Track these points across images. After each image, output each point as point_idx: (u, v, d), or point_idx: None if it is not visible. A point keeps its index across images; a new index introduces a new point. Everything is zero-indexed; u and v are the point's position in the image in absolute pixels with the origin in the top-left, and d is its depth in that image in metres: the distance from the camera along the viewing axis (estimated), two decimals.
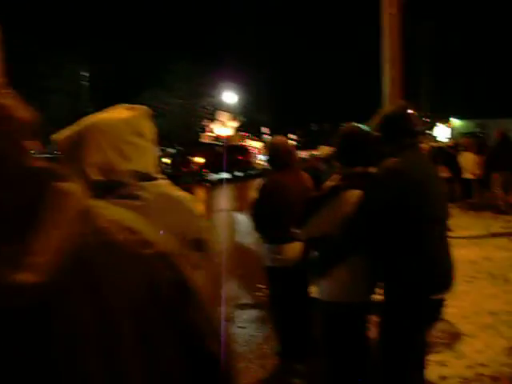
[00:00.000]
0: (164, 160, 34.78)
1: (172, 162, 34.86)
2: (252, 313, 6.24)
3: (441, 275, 3.03)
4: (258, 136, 50.98)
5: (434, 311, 3.10)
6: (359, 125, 3.21)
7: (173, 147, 38.69)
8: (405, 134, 3.09)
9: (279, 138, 4.68)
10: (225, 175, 32.59)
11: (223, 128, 44.79)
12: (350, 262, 3.01)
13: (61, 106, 48.70)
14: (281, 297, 4.35)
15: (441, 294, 3.04)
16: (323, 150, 9.45)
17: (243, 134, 47.73)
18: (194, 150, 35.48)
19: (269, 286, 4.56)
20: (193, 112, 48.07)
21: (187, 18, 69.98)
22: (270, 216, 4.19)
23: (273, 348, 4.70)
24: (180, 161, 33.66)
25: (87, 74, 48.32)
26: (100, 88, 47.40)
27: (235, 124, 45.37)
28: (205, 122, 45.11)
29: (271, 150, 4.48)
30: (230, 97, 47.98)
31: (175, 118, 46.29)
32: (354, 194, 2.97)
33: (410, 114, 3.21)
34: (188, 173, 31.93)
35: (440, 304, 3.09)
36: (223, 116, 45.26)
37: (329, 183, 3.19)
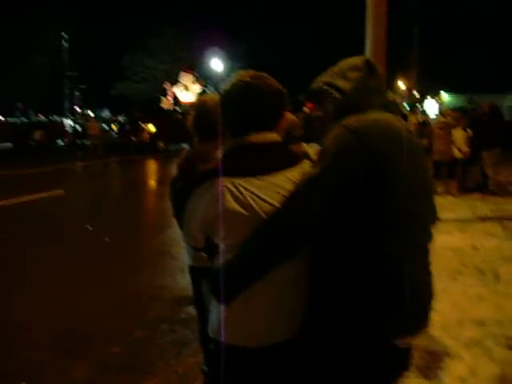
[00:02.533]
0: (113, 126, 33.08)
1: (120, 129, 32.28)
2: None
3: (416, 306, 1.92)
4: None
5: (398, 364, 2.01)
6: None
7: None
8: (368, 90, 2.07)
9: (211, 96, 3.41)
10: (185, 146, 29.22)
11: (186, 92, 39.47)
12: (270, 279, 1.89)
13: (40, 65, 46.93)
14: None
15: (411, 338, 1.94)
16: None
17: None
18: (148, 116, 30.97)
19: (192, 288, 3.38)
20: (177, 78, 46.55)
21: None
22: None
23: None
24: (130, 129, 30.66)
25: (67, 36, 46.52)
26: (81, 49, 45.80)
27: (198, 88, 40.07)
28: (166, 85, 40.19)
29: (197, 111, 3.27)
30: (216, 64, 46.37)
31: (159, 84, 44.62)
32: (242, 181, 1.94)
33: (373, 64, 2.15)
34: (138, 142, 29.53)
35: (407, 354, 2.00)
36: (186, 78, 40.09)
37: (202, 167, 2.15)
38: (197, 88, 39.02)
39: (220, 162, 1.98)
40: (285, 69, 52.60)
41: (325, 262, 1.95)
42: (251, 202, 1.87)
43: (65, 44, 48.01)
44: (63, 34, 47.25)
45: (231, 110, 2.02)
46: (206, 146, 3.12)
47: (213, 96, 3.38)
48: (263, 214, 1.87)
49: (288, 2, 73.67)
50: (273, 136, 2.02)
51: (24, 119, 39.29)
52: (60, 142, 36.26)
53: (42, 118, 43.80)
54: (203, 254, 2.15)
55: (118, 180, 18.60)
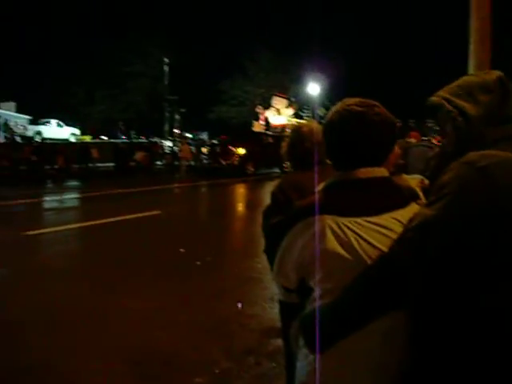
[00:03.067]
0: (203, 150, 32.69)
1: (210, 152, 31.71)
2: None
3: None
4: None
5: None
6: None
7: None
8: (499, 119, 1.71)
9: (308, 123, 3.24)
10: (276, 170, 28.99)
11: (278, 116, 38.76)
12: (367, 327, 1.65)
13: (142, 90, 48.99)
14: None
15: None
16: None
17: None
18: (238, 139, 30.41)
19: (281, 323, 3.17)
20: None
21: (274, 5, 69.10)
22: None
23: None
24: (220, 152, 30.13)
25: (168, 60, 48.18)
26: (181, 74, 47.28)
27: (291, 112, 39.57)
28: (259, 109, 40.17)
29: (292, 138, 3.11)
30: (312, 88, 46.38)
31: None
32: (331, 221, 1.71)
33: (508, 85, 1.75)
34: (227, 166, 28.88)
35: None
36: (279, 102, 39.78)
37: (301, 202, 1.91)
38: (289, 112, 38.83)
39: (321, 197, 1.78)
40: (385, 94, 52.03)
41: (429, 314, 1.68)
42: (355, 244, 1.66)
43: (166, 69, 49.65)
44: (164, 59, 48.88)
45: (336, 142, 1.82)
46: (301, 175, 2.96)
47: (309, 123, 3.22)
48: (367, 259, 1.65)
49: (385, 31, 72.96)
50: (382, 171, 1.80)
51: (126, 140, 40.62)
52: (159, 163, 37.25)
53: (143, 139, 45.15)
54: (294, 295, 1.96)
55: (209, 203, 18.78)
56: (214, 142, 36.80)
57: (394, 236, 1.66)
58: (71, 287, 7.05)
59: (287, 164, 3.17)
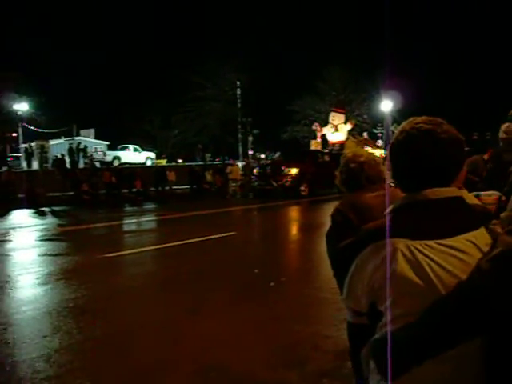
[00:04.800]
0: (254, 171, 30.45)
1: (259, 173, 29.25)
2: None
3: None
4: None
5: None
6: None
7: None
8: None
9: (350, 147, 3.45)
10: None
11: (335, 133, 36.95)
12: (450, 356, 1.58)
13: (214, 113, 49.94)
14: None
15: None
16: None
17: (364, 139, 37.86)
18: (291, 159, 28.53)
19: (349, 344, 3.13)
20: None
21: (344, 24, 69.08)
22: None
23: None
24: (271, 173, 27.92)
25: (240, 83, 48.91)
26: (251, 96, 47.87)
27: (349, 127, 37.49)
28: (316, 127, 38.29)
29: (343, 172, 3.31)
30: (385, 105, 45.83)
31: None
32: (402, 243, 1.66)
33: None
34: (280, 187, 26.75)
35: None
36: (337, 118, 37.61)
37: (370, 225, 1.86)
38: (347, 127, 37.16)
39: (391, 219, 1.73)
40: (457, 108, 50.89)
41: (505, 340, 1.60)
42: (428, 269, 1.60)
43: (238, 92, 50.40)
44: (237, 82, 49.63)
45: (404, 162, 1.76)
46: (358, 196, 3.06)
47: (354, 151, 3.41)
48: (440, 284, 1.58)
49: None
50: (452, 191, 1.72)
51: (200, 163, 41.29)
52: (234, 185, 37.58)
53: (218, 162, 45.82)
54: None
55: (265, 224, 18.66)
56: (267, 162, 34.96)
57: (469, 259, 1.59)
58: (148, 308, 7.20)
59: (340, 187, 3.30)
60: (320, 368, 4.93)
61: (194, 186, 32.93)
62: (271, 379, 4.74)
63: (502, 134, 5.08)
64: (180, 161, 48.41)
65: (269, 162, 34.63)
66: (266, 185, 27.36)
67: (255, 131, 51.96)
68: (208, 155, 46.81)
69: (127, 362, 5.26)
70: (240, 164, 37.90)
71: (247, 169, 31.35)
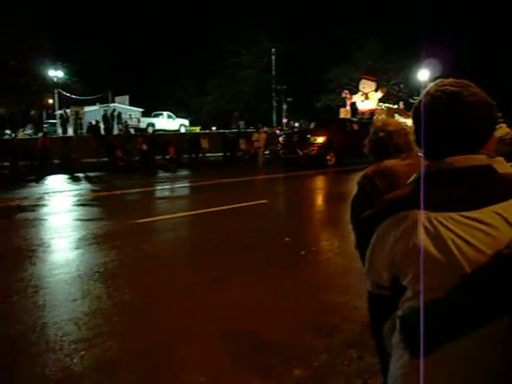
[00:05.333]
0: (280, 139, 29.50)
1: (285, 141, 28.02)
2: None
3: None
4: None
5: None
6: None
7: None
8: None
9: (380, 119, 3.42)
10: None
11: (365, 101, 35.16)
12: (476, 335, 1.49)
13: (249, 80, 49.73)
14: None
15: None
16: (502, 130, 7.58)
17: (395, 108, 36.21)
18: (318, 127, 27.51)
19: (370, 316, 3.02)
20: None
21: None
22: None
23: None
24: (296, 141, 26.65)
25: (275, 50, 48.46)
26: (287, 63, 47.40)
27: (380, 95, 35.65)
28: (345, 94, 36.48)
29: (372, 141, 3.20)
30: (422, 74, 44.88)
31: None
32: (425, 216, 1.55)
33: None
34: (306, 156, 25.63)
35: None
36: (367, 85, 35.74)
37: (391, 195, 1.75)
38: (378, 95, 35.72)
39: (412, 190, 1.62)
40: (498, 78, 49.59)
41: None
42: (450, 244, 1.49)
43: (273, 59, 49.97)
44: (272, 49, 49.18)
45: (428, 126, 1.62)
46: (386, 163, 2.94)
47: (385, 119, 3.37)
48: (463, 260, 1.48)
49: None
50: (480, 159, 1.59)
51: (234, 130, 41.18)
52: (266, 153, 37.41)
53: (252, 129, 45.70)
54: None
55: (293, 194, 18.51)
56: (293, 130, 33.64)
57: (497, 233, 1.48)
58: (176, 274, 7.21)
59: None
60: (348, 338, 4.86)
61: (228, 154, 32.89)
62: (298, 346, 4.69)
63: None
64: (214, 128, 48.38)
65: (296, 130, 33.82)
66: (291, 153, 26.48)
67: (289, 99, 51.56)
68: (242, 122, 46.63)
69: (154, 326, 5.28)
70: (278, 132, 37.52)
71: (272, 137, 31.00)
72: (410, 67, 47.50)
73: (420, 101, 1.67)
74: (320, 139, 25.71)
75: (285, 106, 51.53)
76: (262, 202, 13.92)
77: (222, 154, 33.01)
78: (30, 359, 4.58)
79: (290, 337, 4.94)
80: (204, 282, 6.72)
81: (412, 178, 1.70)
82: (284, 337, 4.94)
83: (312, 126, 29.83)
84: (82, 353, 4.63)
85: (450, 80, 1.65)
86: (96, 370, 4.38)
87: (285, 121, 49.88)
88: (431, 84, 1.70)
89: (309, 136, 26.28)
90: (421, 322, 1.49)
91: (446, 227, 1.50)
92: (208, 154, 32.54)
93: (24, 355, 4.68)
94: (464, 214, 1.51)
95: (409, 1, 60.05)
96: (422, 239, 1.51)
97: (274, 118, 51.21)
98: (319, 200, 16.16)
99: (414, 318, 1.53)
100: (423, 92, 1.70)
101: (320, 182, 21.06)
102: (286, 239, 9.04)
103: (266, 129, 34.99)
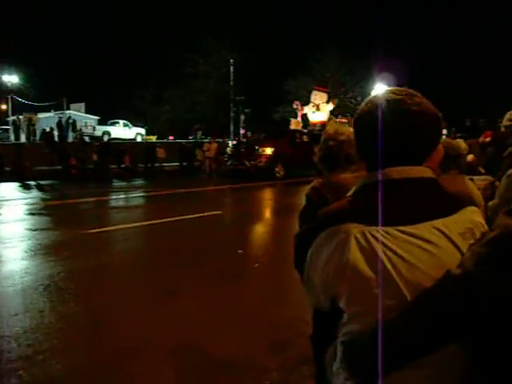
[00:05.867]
0: (227, 149, 28.91)
1: (233, 152, 27.66)
2: None
3: None
4: None
5: None
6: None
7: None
8: None
9: (333, 124, 3.20)
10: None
11: (317, 112, 34.37)
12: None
13: (206, 90, 49.61)
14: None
15: None
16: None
17: (348, 120, 34.16)
18: (267, 138, 26.85)
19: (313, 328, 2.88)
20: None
21: (339, 4, 68.40)
22: None
23: None
24: (244, 152, 26.17)
25: (233, 60, 48.49)
26: (245, 74, 47.45)
27: (331, 107, 34.83)
28: (296, 105, 35.76)
29: (323, 149, 3.04)
30: (379, 88, 45.47)
31: None
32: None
33: None
34: (253, 168, 25.07)
35: None
36: (319, 97, 35.02)
37: (326, 208, 1.62)
38: (329, 107, 35.07)
39: (349, 202, 1.50)
40: (451, 93, 50.69)
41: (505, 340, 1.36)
42: (385, 260, 1.36)
43: (231, 69, 49.96)
44: (230, 59, 49.18)
45: (368, 135, 1.51)
46: (335, 176, 2.84)
47: (335, 124, 3.19)
48: (398, 278, 1.35)
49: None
50: (422, 171, 1.48)
51: (191, 140, 40.92)
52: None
53: (207, 139, 45.59)
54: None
55: (245, 206, 18.44)
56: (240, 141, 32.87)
57: (436, 250, 1.36)
58: (125, 287, 6.98)
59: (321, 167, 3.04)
60: (301, 354, 4.72)
61: (184, 164, 32.55)
62: (250, 364, 4.55)
63: (506, 122, 5.06)
64: (171, 138, 47.99)
65: (244, 140, 33.17)
66: (239, 164, 25.88)
67: (247, 110, 51.55)
68: (199, 133, 46.39)
69: (100, 342, 5.07)
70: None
71: (224, 147, 30.25)
72: (366, 80, 48.10)
73: (362, 108, 1.57)
74: (268, 151, 25.19)
75: (242, 117, 51.47)
76: (216, 212, 13.74)
77: (178, 163, 32.64)
78: None
79: (241, 353, 4.78)
80: (154, 295, 6.52)
81: (351, 190, 1.58)
82: (235, 353, 4.78)
83: (261, 136, 29.34)
84: (20, 372, 4.38)
85: (395, 88, 1.55)
86: None
87: (242, 132, 49.79)
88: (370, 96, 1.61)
89: (257, 147, 25.73)
90: (363, 348, 1.36)
91: (381, 242, 1.37)
92: (164, 164, 32.16)
93: None
94: (400, 228, 1.39)
95: (364, 13, 61.14)
96: (354, 255, 1.37)
97: (232, 128, 51.08)
98: (271, 212, 15.99)
99: (356, 345, 1.40)
100: (365, 100, 1.59)
101: (270, 194, 20.77)
102: (239, 251, 8.89)
103: (217, 140, 34.33)
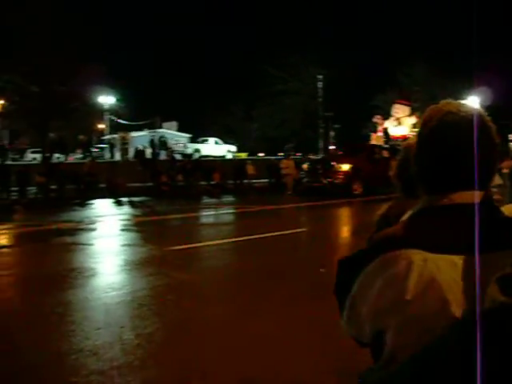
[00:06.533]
0: (303, 166, 27.47)
1: (309, 169, 26.47)
2: None
3: None
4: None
5: None
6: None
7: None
8: None
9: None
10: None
11: (398, 127, 33.44)
12: None
13: (295, 107, 49.81)
14: None
15: None
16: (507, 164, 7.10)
17: None
18: (345, 154, 25.93)
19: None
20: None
21: (428, 17, 67.18)
22: None
23: None
24: (321, 169, 25.35)
25: (321, 77, 48.43)
26: (334, 89, 47.23)
27: (413, 120, 32.85)
28: (377, 119, 34.88)
29: (401, 158, 2.51)
30: (472, 102, 43.93)
31: None
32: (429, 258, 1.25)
33: None
34: (330, 185, 23.95)
35: None
36: (400, 110, 34.03)
37: (381, 232, 1.45)
38: (412, 120, 33.26)
39: (407, 226, 1.36)
40: None
41: None
42: (447, 291, 1.23)
43: (319, 85, 49.91)
44: (318, 76, 49.16)
45: (430, 156, 1.38)
46: (412, 203, 2.43)
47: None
48: (458, 312, 1.20)
49: None
50: (483, 197, 1.33)
51: (279, 157, 41.14)
52: None
53: (298, 156, 45.59)
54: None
55: (329, 223, 18.13)
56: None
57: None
58: (206, 306, 6.98)
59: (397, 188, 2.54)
60: None
61: (272, 180, 32.68)
62: None
63: None
64: (261, 154, 48.43)
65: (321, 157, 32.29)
66: (315, 181, 24.86)
67: (336, 126, 51.27)
68: (288, 146, 46.58)
69: (174, 361, 5.08)
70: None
71: (298, 164, 29.03)
72: (459, 93, 46.66)
73: (426, 124, 1.40)
74: (345, 167, 24.06)
75: (332, 133, 51.21)
76: (301, 230, 13.67)
77: (267, 180, 32.78)
78: None
79: (315, 379, 4.64)
80: (233, 314, 6.49)
81: (407, 215, 1.46)
82: (308, 378, 4.65)
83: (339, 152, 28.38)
84: None
85: (459, 104, 1.39)
86: None
87: (332, 147, 49.52)
88: (432, 106, 1.43)
89: (333, 163, 24.72)
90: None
91: (446, 272, 1.23)
92: (254, 180, 32.42)
93: None
94: (466, 257, 1.24)
95: (459, 25, 59.44)
96: (416, 285, 1.23)
97: (321, 144, 50.92)
98: (353, 230, 15.56)
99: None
100: (424, 115, 1.43)
101: (349, 212, 20.32)
102: (321, 270, 8.74)
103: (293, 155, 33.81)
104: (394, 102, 35.67)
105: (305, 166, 27.12)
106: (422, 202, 1.41)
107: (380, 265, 1.32)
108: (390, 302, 1.28)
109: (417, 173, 1.45)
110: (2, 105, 32.54)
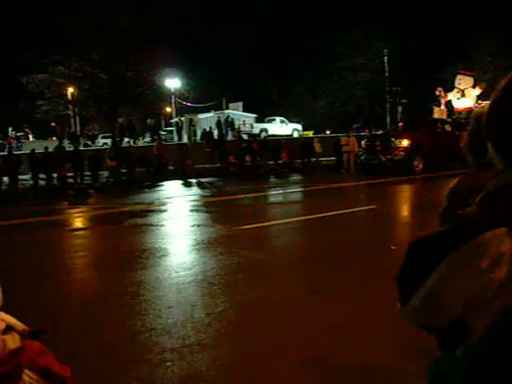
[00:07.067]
0: (362, 143, 26.12)
1: (367, 146, 25.12)
2: None
3: None
4: None
5: None
6: None
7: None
8: None
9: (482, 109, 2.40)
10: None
11: (462, 99, 31.47)
12: None
13: (361, 83, 49.04)
14: None
15: None
16: None
17: None
18: (405, 129, 24.79)
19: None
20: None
21: None
22: None
23: None
24: (379, 145, 23.77)
25: (387, 51, 47.35)
26: (400, 64, 46.08)
27: (478, 91, 31.31)
28: (439, 92, 32.80)
29: (475, 124, 2.28)
30: None
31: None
32: None
33: None
34: (389, 162, 22.90)
35: None
36: (463, 81, 31.93)
37: (469, 210, 1.29)
38: (476, 92, 31.62)
39: (490, 205, 1.23)
40: None
41: None
42: None
43: (385, 60, 48.87)
44: (384, 50, 48.12)
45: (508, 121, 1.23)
46: (484, 174, 2.27)
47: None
48: None
49: None
50: None
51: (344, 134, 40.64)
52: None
53: (366, 133, 44.88)
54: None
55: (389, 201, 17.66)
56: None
57: None
58: (272, 283, 7.00)
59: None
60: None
61: (339, 158, 32.29)
62: (396, 369, 4.34)
63: None
64: (328, 132, 47.94)
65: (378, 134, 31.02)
66: (373, 159, 23.81)
67: (404, 101, 50.08)
68: (355, 126, 45.88)
69: (244, 340, 5.11)
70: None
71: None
72: None
73: (503, 88, 1.25)
74: (405, 143, 22.89)
75: (400, 108, 50.07)
76: (370, 207, 13.50)
77: (335, 157, 32.38)
78: (117, 369, 4.55)
79: (387, 359, 4.55)
80: (301, 294, 6.46)
81: (485, 190, 1.32)
82: (381, 359, 4.56)
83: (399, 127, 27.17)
84: (168, 363, 4.54)
85: None
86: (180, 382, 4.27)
87: (400, 123, 48.49)
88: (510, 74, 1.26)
89: (392, 139, 23.55)
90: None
91: None
92: (321, 158, 32.12)
93: (112, 363, 4.66)
94: None
95: None
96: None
97: (388, 120, 49.92)
98: (420, 207, 15.14)
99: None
100: (504, 79, 1.26)
101: (415, 189, 19.28)
102: (392, 247, 8.58)
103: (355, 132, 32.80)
104: (457, 73, 34.06)
105: (363, 142, 26.18)
106: (504, 178, 1.27)
107: (472, 249, 1.19)
108: (487, 286, 1.16)
109: (494, 144, 1.32)
110: (72, 93, 33.40)
